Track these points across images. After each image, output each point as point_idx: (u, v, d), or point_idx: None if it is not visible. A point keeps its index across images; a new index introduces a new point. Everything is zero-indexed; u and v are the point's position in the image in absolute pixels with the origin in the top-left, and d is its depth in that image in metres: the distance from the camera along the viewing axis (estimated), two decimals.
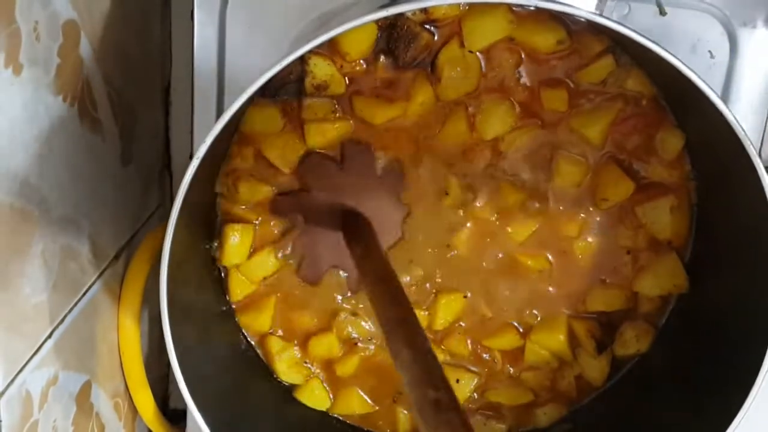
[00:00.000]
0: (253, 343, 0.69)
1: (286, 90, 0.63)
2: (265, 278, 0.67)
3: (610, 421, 0.68)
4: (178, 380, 0.55)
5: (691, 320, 0.65)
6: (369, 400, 0.70)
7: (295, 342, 0.69)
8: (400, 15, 0.60)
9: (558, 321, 0.67)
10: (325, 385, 0.69)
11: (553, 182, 0.65)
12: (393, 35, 0.62)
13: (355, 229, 0.63)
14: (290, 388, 0.69)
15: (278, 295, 0.68)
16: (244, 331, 0.68)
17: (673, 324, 0.67)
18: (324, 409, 0.70)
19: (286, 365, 0.68)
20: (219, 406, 0.60)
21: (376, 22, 0.61)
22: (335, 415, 0.70)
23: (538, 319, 0.68)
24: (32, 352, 0.53)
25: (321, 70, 0.62)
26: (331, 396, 0.69)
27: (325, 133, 0.63)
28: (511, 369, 0.69)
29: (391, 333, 0.50)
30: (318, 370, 0.69)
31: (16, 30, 0.47)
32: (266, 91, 0.63)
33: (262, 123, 0.64)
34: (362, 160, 0.64)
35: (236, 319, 0.68)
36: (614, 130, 0.63)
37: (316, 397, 0.69)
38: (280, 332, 0.68)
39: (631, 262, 0.66)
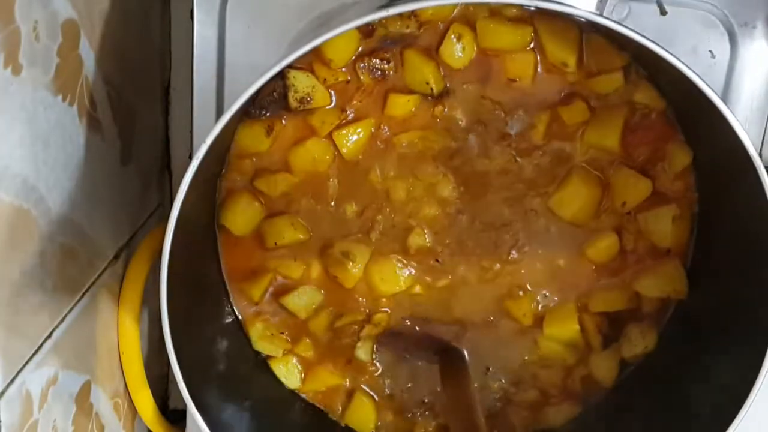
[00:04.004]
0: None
1: (272, 108, 0.63)
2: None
3: (610, 424, 0.68)
4: (178, 380, 0.54)
5: (693, 320, 0.65)
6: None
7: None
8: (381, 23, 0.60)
9: (569, 309, 0.67)
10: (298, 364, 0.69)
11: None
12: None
13: (451, 365, 0.67)
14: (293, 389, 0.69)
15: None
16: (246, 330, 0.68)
17: (675, 324, 0.66)
18: (295, 387, 0.69)
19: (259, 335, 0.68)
20: (219, 406, 0.60)
21: (358, 28, 0.60)
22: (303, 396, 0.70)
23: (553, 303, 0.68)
24: (32, 352, 0.53)
25: (301, 83, 0.61)
26: (303, 375, 0.69)
27: (350, 138, 0.64)
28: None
29: None
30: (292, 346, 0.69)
31: (16, 30, 0.47)
32: (252, 111, 0.62)
33: (250, 141, 0.64)
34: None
35: (239, 320, 0.68)
36: (624, 141, 0.63)
37: (288, 370, 0.68)
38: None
39: (633, 263, 0.66)
